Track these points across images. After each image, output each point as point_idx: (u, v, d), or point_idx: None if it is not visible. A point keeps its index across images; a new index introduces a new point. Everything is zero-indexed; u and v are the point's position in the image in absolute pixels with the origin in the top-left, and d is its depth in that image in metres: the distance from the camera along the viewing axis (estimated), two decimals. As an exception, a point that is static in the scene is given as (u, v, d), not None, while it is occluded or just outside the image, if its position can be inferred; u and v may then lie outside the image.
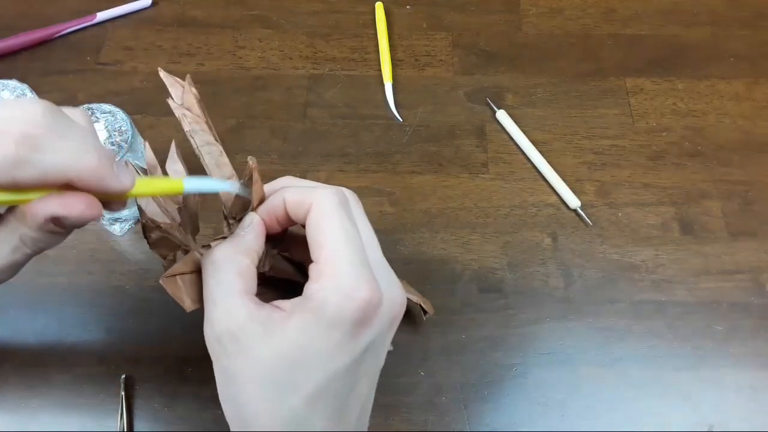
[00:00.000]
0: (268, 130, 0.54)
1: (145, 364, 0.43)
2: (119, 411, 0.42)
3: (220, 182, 0.29)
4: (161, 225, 0.29)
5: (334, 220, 0.27)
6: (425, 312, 0.43)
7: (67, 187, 0.25)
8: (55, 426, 0.42)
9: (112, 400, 0.42)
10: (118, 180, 0.25)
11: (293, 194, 0.29)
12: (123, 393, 0.42)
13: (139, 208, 0.30)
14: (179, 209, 0.31)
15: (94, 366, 0.43)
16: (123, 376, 0.43)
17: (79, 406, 0.42)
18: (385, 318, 0.28)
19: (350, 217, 0.28)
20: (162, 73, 0.31)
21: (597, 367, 0.44)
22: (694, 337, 0.45)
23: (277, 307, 0.27)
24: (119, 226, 0.48)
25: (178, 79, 0.31)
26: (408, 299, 0.42)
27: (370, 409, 0.30)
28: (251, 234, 0.29)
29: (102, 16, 0.60)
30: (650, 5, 0.62)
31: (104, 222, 0.48)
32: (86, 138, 0.25)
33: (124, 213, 0.48)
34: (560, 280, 0.47)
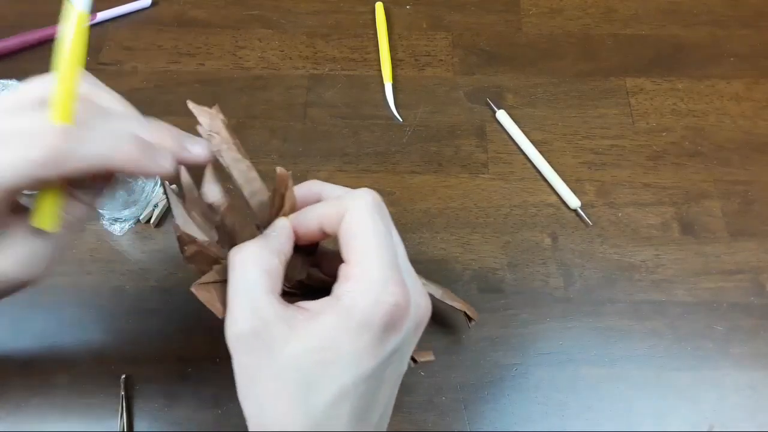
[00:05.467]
0: (268, 130, 0.54)
1: (145, 364, 0.43)
2: (119, 411, 0.42)
3: None
4: (197, 240, 0.30)
5: (368, 222, 0.27)
6: (470, 319, 0.43)
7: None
8: (55, 426, 0.42)
9: (112, 400, 0.42)
10: (157, 165, 0.27)
11: (326, 210, 0.29)
12: (123, 393, 0.42)
13: (175, 226, 0.30)
14: (216, 227, 0.32)
15: (94, 366, 0.43)
16: (123, 376, 0.43)
17: (79, 406, 0.42)
18: (412, 323, 0.28)
19: (384, 219, 0.28)
20: (190, 105, 0.31)
21: (597, 367, 0.44)
22: (694, 337, 0.45)
23: (303, 307, 0.27)
24: (119, 226, 0.48)
25: (205, 108, 0.32)
26: (451, 305, 0.42)
27: (391, 412, 0.30)
28: (283, 236, 0.29)
29: (102, 16, 0.60)
30: (650, 5, 0.62)
31: (104, 222, 0.48)
32: (125, 124, 0.27)
33: (125, 213, 0.48)
34: (560, 280, 0.47)
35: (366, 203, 0.28)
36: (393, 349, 0.27)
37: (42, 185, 0.26)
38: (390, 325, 0.26)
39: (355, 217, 0.28)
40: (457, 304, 0.42)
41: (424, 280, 0.34)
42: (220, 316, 0.29)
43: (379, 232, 0.27)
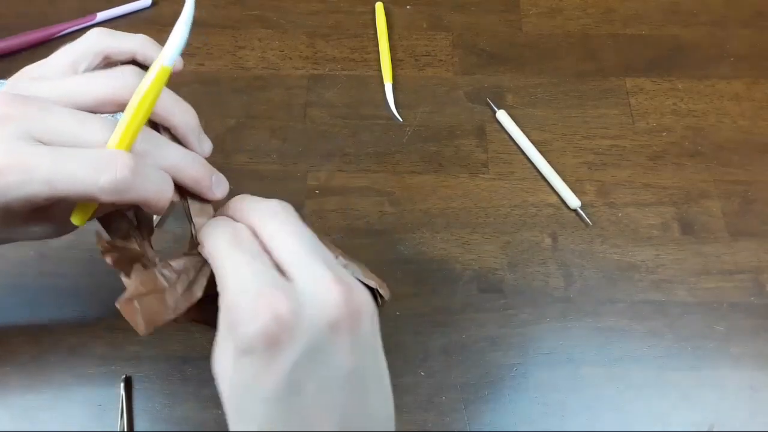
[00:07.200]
0: (268, 130, 0.54)
1: (145, 364, 0.43)
2: (119, 411, 0.42)
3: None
4: (117, 245, 0.30)
5: (218, 256, 0.27)
6: (381, 297, 0.40)
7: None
8: (55, 426, 0.42)
9: (112, 400, 0.42)
10: (213, 192, 0.30)
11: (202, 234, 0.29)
12: (123, 393, 0.42)
13: (97, 233, 0.31)
14: (135, 212, 0.33)
15: (94, 366, 0.43)
16: (123, 376, 0.43)
17: (79, 406, 0.42)
18: (315, 325, 0.25)
19: (237, 241, 0.27)
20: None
21: (597, 367, 0.44)
22: (694, 337, 0.45)
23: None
24: (119, 226, 0.48)
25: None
26: (366, 285, 0.38)
27: (376, 412, 0.28)
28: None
29: (102, 16, 0.60)
30: (650, 5, 0.62)
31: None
32: (176, 161, 0.30)
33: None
34: (560, 280, 0.47)
35: (210, 237, 0.27)
36: (294, 360, 0.24)
37: (90, 201, 0.28)
38: (272, 340, 0.24)
39: (206, 249, 0.28)
40: (372, 282, 0.40)
41: (345, 261, 0.32)
42: (141, 334, 0.29)
43: (230, 262, 0.26)
